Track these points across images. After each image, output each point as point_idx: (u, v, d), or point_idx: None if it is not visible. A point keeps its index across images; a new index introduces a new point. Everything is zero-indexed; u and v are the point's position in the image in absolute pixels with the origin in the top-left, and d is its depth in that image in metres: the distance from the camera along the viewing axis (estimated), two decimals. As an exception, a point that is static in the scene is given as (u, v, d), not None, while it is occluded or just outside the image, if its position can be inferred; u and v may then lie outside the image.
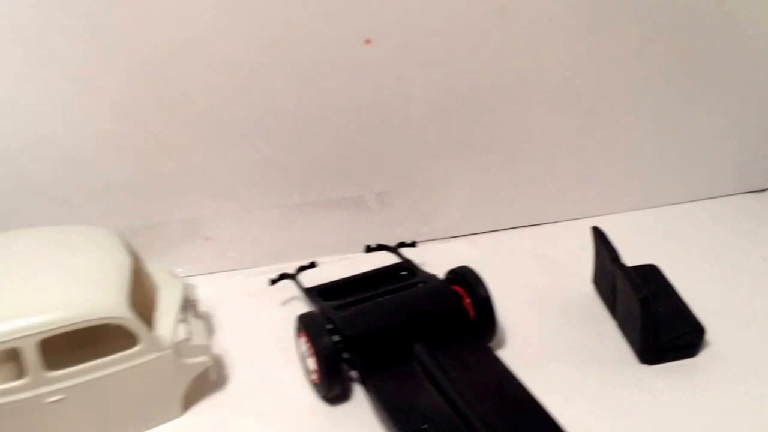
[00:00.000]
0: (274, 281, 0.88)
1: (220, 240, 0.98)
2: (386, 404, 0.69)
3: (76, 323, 0.65)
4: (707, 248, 0.96)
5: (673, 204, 1.06)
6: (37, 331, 0.64)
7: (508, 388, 0.69)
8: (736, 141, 1.04)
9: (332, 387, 0.73)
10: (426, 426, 0.65)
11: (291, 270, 0.91)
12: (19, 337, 0.63)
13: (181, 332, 0.72)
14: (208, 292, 0.86)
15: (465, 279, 0.79)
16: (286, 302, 0.91)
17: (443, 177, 0.99)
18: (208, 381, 0.77)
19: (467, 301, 0.78)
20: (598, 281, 0.88)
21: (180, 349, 0.71)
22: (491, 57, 0.92)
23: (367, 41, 0.88)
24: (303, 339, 0.76)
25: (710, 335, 0.79)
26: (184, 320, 0.74)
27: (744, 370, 0.76)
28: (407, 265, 0.87)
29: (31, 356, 0.64)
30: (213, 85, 0.88)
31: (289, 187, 0.97)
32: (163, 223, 0.94)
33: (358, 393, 0.77)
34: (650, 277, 0.84)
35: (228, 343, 0.83)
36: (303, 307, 0.89)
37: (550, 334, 0.83)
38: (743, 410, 0.71)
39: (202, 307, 0.86)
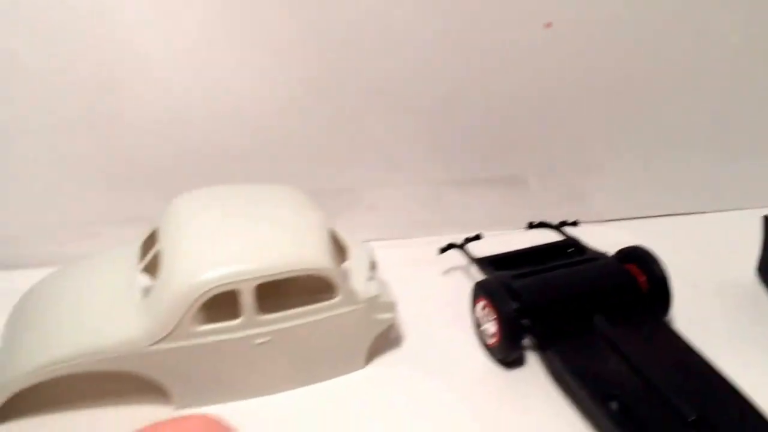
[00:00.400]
0: (443, 250, 0.92)
1: (382, 210, 1.02)
2: (572, 371, 0.71)
3: (290, 271, 0.70)
4: None
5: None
6: (257, 275, 0.69)
7: (692, 362, 0.71)
8: None
9: (512, 351, 0.77)
10: (617, 393, 0.67)
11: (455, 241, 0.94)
12: (241, 280, 0.68)
13: (373, 288, 0.76)
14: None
15: (640, 258, 0.81)
16: (448, 271, 0.95)
17: (603, 160, 1.02)
18: (386, 338, 0.81)
19: (641, 279, 0.80)
20: (765, 271, 0.89)
21: (372, 304, 0.76)
22: (665, 42, 0.94)
23: (547, 24, 0.91)
24: (482, 303, 0.79)
25: None
26: (372, 278, 0.78)
27: None
28: (573, 243, 0.90)
29: (248, 299, 0.69)
30: (392, 62, 0.92)
31: (451, 162, 1.01)
32: (332, 190, 0.99)
33: (531, 360, 0.80)
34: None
35: (399, 306, 0.86)
36: (467, 276, 0.93)
37: (713, 320, 0.85)
38: None
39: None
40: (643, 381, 0.69)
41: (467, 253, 0.90)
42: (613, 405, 0.67)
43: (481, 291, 0.80)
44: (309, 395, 0.77)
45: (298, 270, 0.70)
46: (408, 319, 0.85)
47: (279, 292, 0.73)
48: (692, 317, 0.84)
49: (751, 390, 0.69)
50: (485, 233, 0.97)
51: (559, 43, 0.93)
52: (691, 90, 0.98)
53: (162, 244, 0.74)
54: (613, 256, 0.84)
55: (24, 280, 0.83)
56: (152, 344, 0.69)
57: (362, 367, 0.79)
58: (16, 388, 0.71)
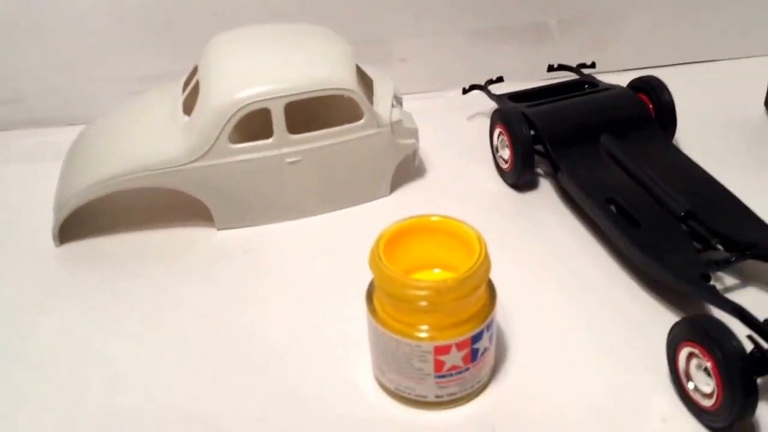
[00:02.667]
0: (465, 91, 0.98)
1: (413, 62, 1.07)
2: (577, 181, 0.77)
3: (316, 90, 0.76)
4: None
5: None
6: (285, 94, 0.75)
7: (687, 169, 0.77)
8: None
9: (525, 172, 0.83)
10: (616, 197, 0.73)
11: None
12: (271, 98, 0.75)
13: (396, 114, 0.82)
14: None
15: (650, 85, 0.86)
16: (473, 116, 1.01)
17: (624, 8, 1.06)
18: (410, 168, 0.87)
19: (650, 107, 0.85)
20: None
21: (395, 128, 0.82)
22: None
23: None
24: (499, 130, 0.85)
25: None
26: (395, 106, 0.84)
27: None
28: (590, 80, 0.94)
29: (278, 118, 0.76)
30: None
31: (477, 11, 1.05)
32: (364, 42, 1.01)
33: (543, 184, 0.86)
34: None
35: (424, 144, 0.91)
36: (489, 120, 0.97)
37: (719, 146, 0.90)
38: None
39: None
40: (639, 185, 0.74)
41: (489, 92, 0.95)
42: (612, 207, 0.73)
43: (497, 118, 0.85)
44: (338, 219, 0.84)
45: (324, 89, 0.76)
46: (431, 156, 0.92)
47: (311, 124, 0.79)
48: (701, 145, 0.88)
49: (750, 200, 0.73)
50: (511, 83, 1.01)
51: None
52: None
53: (201, 75, 0.80)
54: (624, 87, 0.88)
55: (72, 135, 0.90)
56: (192, 161, 0.76)
57: (387, 195, 0.86)
58: (73, 205, 0.79)
